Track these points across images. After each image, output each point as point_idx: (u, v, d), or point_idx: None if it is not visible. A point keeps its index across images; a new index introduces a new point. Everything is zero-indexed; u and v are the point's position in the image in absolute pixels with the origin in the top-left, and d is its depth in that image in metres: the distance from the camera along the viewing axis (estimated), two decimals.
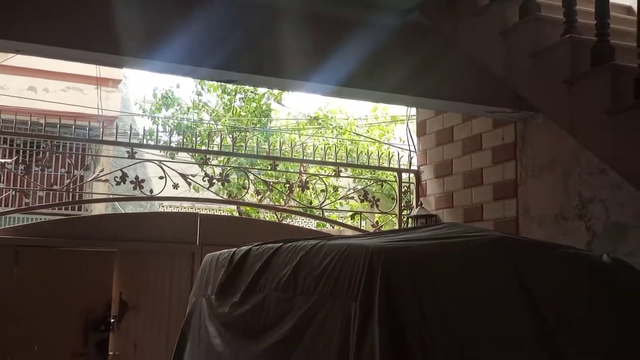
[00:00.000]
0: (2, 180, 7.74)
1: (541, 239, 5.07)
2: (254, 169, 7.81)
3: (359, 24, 5.11)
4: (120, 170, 6.27)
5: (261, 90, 12.62)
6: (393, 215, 7.45)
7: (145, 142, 6.82)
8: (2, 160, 6.51)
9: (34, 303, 5.59)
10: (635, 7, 5.03)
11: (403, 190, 7.32)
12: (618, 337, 2.96)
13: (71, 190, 6.67)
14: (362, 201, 7.58)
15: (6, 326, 5.48)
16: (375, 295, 2.46)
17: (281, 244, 3.36)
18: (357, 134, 13.33)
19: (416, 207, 6.96)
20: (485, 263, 2.87)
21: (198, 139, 9.00)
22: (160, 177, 6.27)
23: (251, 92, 12.71)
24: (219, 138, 12.06)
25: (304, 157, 7.31)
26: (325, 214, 7.71)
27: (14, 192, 6.92)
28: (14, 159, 6.46)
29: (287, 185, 7.45)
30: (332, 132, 13.30)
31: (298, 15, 4.99)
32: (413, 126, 7.46)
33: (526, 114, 5.56)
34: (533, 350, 2.68)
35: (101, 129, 6.58)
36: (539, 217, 5.45)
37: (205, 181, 6.67)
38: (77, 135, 6.71)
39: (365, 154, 7.49)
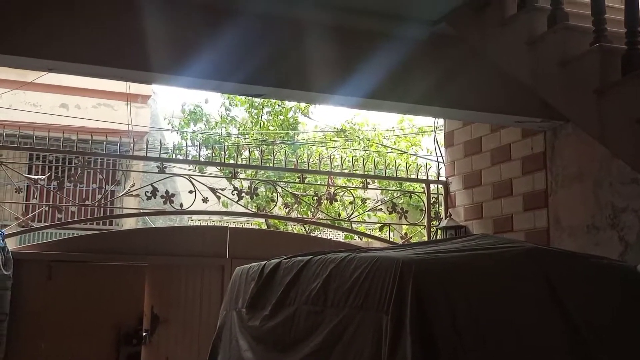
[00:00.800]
0: (35, 196, 7.87)
1: (573, 249, 5.01)
2: (282, 181, 7.84)
3: (385, 36, 5.12)
4: (151, 185, 6.34)
5: (288, 103, 12.68)
6: (422, 227, 7.42)
7: (174, 156, 6.89)
8: (35, 177, 6.63)
9: (66, 317, 5.66)
10: None
11: (432, 201, 7.28)
12: None
13: (103, 205, 6.76)
14: (390, 213, 7.55)
15: (40, 340, 5.56)
16: (406, 307, 2.46)
17: (311, 256, 3.36)
18: (384, 146, 13.30)
19: (445, 219, 6.92)
20: (517, 274, 2.85)
21: (226, 153, 9.05)
22: (190, 192, 6.32)
23: (278, 105, 12.78)
24: (247, 152, 12.14)
25: (332, 170, 7.29)
26: (354, 226, 7.70)
27: (47, 208, 7.02)
28: (47, 175, 6.56)
29: (315, 197, 7.46)
30: (359, 144, 13.30)
31: (324, 29, 5.01)
32: (441, 137, 7.44)
33: (555, 123, 5.51)
34: None
35: (132, 145, 6.67)
36: (570, 227, 5.38)
37: (234, 195, 6.72)
38: (108, 151, 6.79)
39: (393, 166, 7.48)
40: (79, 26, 4.47)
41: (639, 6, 3.70)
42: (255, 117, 12.90)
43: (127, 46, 4.57)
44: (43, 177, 6.49)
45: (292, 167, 7.65)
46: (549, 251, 3.42)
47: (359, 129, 13.46)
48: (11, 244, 5.75)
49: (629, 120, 3.55)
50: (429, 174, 7.34)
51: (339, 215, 9.88)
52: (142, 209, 9.16)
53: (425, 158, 9.42)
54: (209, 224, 12.95)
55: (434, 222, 7.21)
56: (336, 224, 8.28)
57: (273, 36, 4.96)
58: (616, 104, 3.67)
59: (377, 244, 7.41)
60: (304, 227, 10.50)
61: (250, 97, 11.93)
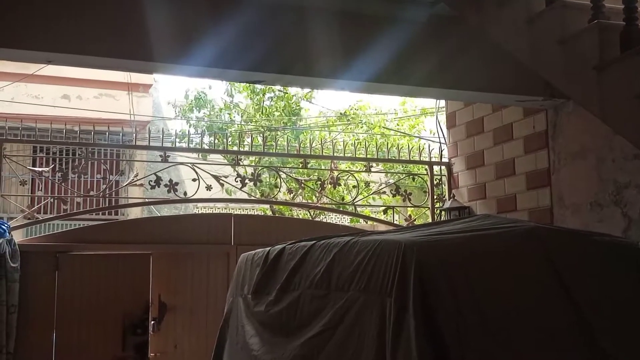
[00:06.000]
0: (40, 189, 7.91)
1: (576, 227, 5.03)
2: (286, 167, 7.84)
3: (386, 19, 5.11)
4: (154, 174, 6.36)
5: (291, 89, 12.67)
6: (426, 209, 7.43)
7: (177, 145, 6.90)
8: (40, 169, 6.66)
9: (74, 308, 5.72)
10: None
11: (435, 183, 7.29)
12: None
13: (107, 195, 6.78)
14: (394, 195, 7.56)
15: (48, 331, 5.62)
16: (409, 290, 2.47)
17: (314, 241, 3.38)
18: (387, 128, 13.29)
19: (449, 200, 6.93)
20: (519, 254, 2.87)
21: (229, 139, 9.06)
22: (194, 180, 6.33)
23: (280, 91, 12.76)
24: (250, 138, 12.14)
25: (335, 154, 7.29)
26: (358, 209, 7.71)
27: (52, 200, 7.05)
28: (51, 167, 6.59)
29: (319, 182, 7.47)
30: (361, 127, 13.28)
31: (326, 14, 5.00)
32: (443, 118, 7.43)
33: (557, 101, 5.50)
34: (569, 340, 2.66)
35: (134, 134, 6.68)
36: (573, 205, 5.39)
37: (237, 182, 6.72)
38: (111, 141, 6.81)
39: (396, 148, 7.47)
40: (79, 17, 4.47)
41: None
42: (258, 103, 12.88)
43: (128, 36, 4.56)
44: (47, 169, 6.52)
45: (295, 152, 7.67)
46: (550, 230, 3.43)
47: (362, 113, 13.45)
48: (18, 237, 5.79)
49: (629, 96, 3.54)
50: (431, 156, 7.34)
51: (343, 199, 9.90)
52: (146, 198, 9.20)
53: (428, 139, 9.41)
54: (214, 212, 13.01)
55: (438, 204, 7.22)
56: (341, 208, 8.29)
57: (275, 23, 4.95)
58: (616, 81, 3.65)
59: (382, 227, 7.42)
60: (309, 212, 10.54)
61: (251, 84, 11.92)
